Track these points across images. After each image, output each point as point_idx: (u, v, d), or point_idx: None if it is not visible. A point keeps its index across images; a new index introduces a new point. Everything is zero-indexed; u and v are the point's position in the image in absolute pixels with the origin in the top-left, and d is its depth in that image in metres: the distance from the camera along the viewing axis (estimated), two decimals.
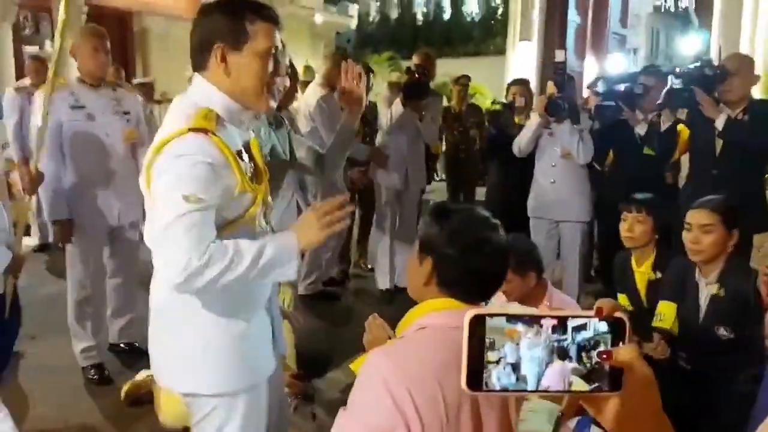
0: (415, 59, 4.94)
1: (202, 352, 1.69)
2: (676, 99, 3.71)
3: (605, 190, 4.27)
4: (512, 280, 2.44)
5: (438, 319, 1.41)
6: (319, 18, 15.26)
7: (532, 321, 0.67)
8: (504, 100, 5.33)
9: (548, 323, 0.67)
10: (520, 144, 4.21)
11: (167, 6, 11.00)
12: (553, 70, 4.53)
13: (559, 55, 4.53)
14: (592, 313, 0.69)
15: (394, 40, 20.22)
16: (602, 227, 4.45)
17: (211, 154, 1.54)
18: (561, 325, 0.68)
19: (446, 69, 6.37)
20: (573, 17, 12.02)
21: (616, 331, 0.69)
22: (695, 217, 2.47)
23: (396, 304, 4.66)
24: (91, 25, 3.62)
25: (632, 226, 2.89)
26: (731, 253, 2.46)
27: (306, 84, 5.69)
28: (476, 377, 0.67)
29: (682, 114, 3.95)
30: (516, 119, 4.70)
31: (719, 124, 3.37)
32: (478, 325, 0.67)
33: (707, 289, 2.49)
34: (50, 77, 2.96)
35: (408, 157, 4.79)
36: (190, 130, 1.53)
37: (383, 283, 4.91)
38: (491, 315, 0.67)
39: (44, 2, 9.42)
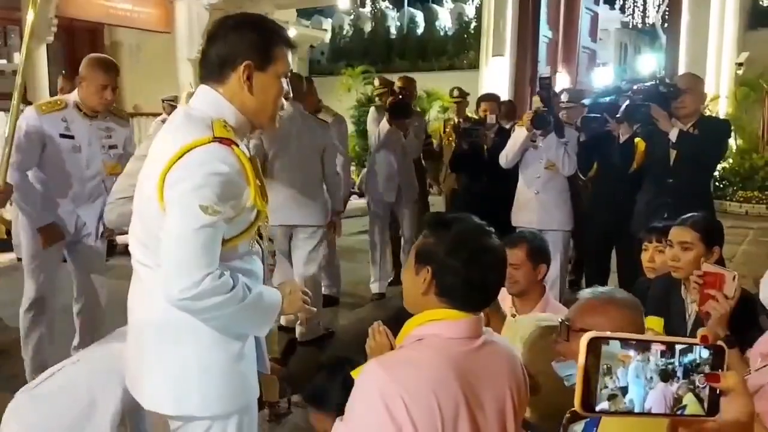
0: (397, 82, 5.45)
1: (199, 372, 1.63)
2: (635, 113, 3.92)
3: (589, 202, 4.45)
4: (523, 266, 2.44)
5: (436, 329, 1.41)
6: (293, 32, 15.25)
7: (643, 346, 0.70)
8: (475, 115, 5.58)
9: (657, 347, 0.70)
10: (507, 156, 4.45)
11: (139, 19, 10.90)
12: (538, 85, 4.75)
13: (544, 71, 4.76)
14: (696, 340, 0.72)
15: (368, 53, 20.25)
16: (589, 236, 4.59)
17: (232, 165, 1.53)
18: (669, 349, 0.71)
19: (420, 83, 6.45)
20: (545, 32, 12.17)
21: (716, 358, 0.72)
22: (675, 234, 2.50)
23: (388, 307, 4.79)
24: (103, 56, 3.49)
25: (653, 257, 2.87)
26: None
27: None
28: (589, 399, 0.69)
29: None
30: (486, 133, 4.99)
31: (673, 136, 3.64)
32: (593, 347, 0.69)
33: (693, 306, 2.48)
34: (17, 91, 2.80)
35: (398, 172, 5.16)
36: (214, 139, 1.52)
37: (375, 287, 5.24)
38: (607, 339, 0.70)
39: (13, 14, 9.29)
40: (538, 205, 4.42)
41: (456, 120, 6.45)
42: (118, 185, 2.27)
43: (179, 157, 1.51)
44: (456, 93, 6.49)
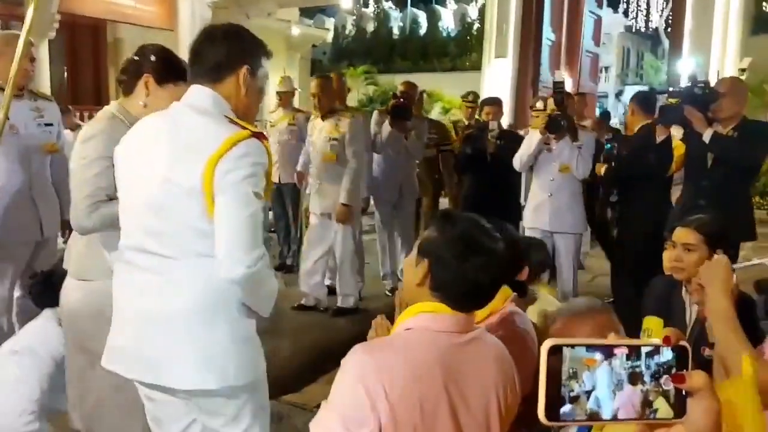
0: (400, 87, 5.62)
1: (233, 344, 1.74)
2: (670, 115, 3.92)
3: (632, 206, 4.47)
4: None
5: (425, 321, 1.43)
6: (295, 30, 15.26)
7: (609, 349, 0.68)
8: (478, 118, 5.63)
9: (622, 351, 0.69)
10: (521, 159, 4.49)
11: (142, 16, 10.90)
12: (552, 89, 4.84)
13: (557, 75, 4.81)
14: (659, 341, 0.70)
15: (370, 53, 20.31)
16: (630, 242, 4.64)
17: (266, 157, 1.72)
18: (633, 352, 0.69)
19: (422, 84, 6.42)
20: (548, 35, 12.19)
21: (679, 359, 0.70)
22: (679, 235, 2.44)
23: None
24: (10, 32, 3.44)
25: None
26: None
27: (282, 94, 6.05)
28: (553, 407, 0.67)
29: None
30: (489, 136, 5.10)
31: (706, 137, 3.63)
32: (554, 354, 0.67)
33: (693, 307, 2.45)
34: (11, 83, 2.78)
35: (400, 172, 5.33)
36: (253, 133, 1.68)
37: (388, 283, 5.45)
38: (570, 345, 0.68)
39: (15, 10, 9.28)
40: (550, 207, 4.44)
41: (466, 123, 6.50)
42: (82, 192, 2.04)
43: (227, 149, 1.63)
44: (471, 98, 6.50)
